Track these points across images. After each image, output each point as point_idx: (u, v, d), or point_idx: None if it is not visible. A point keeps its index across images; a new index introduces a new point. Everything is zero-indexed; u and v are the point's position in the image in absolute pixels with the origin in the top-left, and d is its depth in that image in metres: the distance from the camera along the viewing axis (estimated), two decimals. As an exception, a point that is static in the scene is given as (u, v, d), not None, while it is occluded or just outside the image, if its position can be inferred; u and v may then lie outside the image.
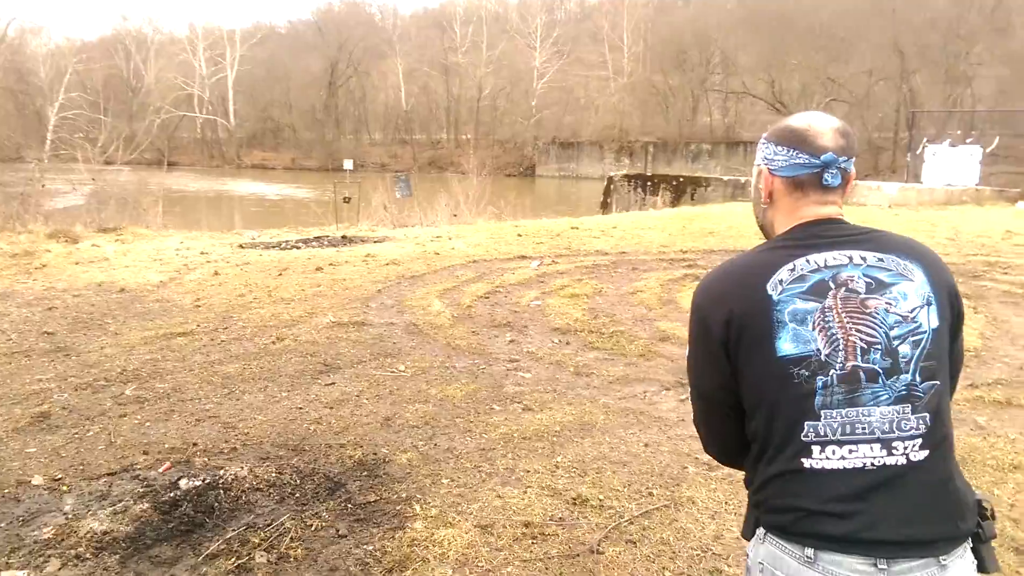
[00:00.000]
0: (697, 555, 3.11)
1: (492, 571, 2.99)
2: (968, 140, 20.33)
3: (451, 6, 68.49)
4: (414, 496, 3.60)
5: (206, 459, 4.05)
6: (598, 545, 3.17)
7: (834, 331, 1.40)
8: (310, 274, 9.16)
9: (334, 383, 5.27)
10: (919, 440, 1.39)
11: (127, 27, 68.78)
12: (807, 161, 1.51)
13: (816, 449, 1.39)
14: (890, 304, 1.42)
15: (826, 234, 1.50)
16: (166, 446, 4.23)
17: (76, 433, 4.43)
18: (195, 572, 2.98)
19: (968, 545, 1.42)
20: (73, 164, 19.51)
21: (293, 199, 34.51)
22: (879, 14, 40.69)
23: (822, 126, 1.52)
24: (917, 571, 1.36)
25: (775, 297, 1.43)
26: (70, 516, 3.43)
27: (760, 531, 1.47)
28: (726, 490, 3.65)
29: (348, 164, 18.64)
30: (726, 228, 12.84)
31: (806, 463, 1.40)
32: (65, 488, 3.72)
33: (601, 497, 3.59)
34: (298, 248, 11.70)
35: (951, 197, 17.77)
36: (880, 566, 1.35)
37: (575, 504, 3.53)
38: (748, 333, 1.44)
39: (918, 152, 20.83)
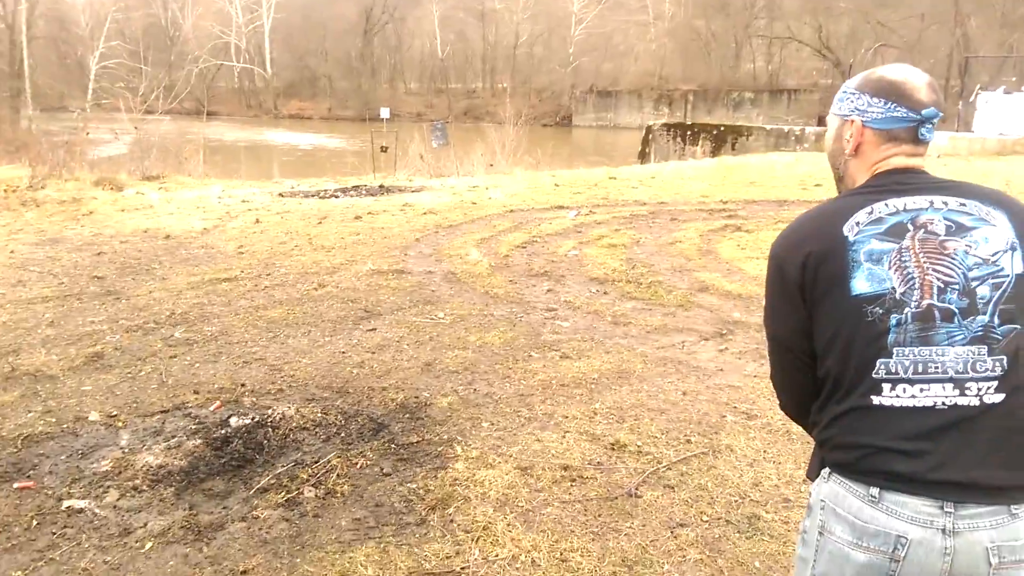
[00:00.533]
0: (735, 501, 3.14)
1: (532, 511, 3.06)
2: (1024, 87, 19.52)
3: (488, -50, 66.98)
4: (455, 438, 3.68)
5: (254, 399, 4.18)
6: (636, 489, 3.22)
7: (910, 270, 1.39)
8: (349, 223, 9.24)
9: (375, 329, 5.35)
10: (995, 383, 1.36)
11: (164, -26, 68.54)
12: (905, 115, 1.49)
13: (887, 387, 1.38)
14: (970, 247, 1.40)
15: (908, 181, 1.49)
16: (215, 386, 4.37)
17: (129, 372, 4.59)
18: (247, 504, 3.11)
19: None
20: (115, 113, 19.74)
21: (330, 148, 34.62)
22: (935, -46, 38.87)
23: (918, 80, 1.50)
24: (985, 518, 1.33)
25: (851, 238, 1.43)
26: (126, 450, 3.58)
27: (825, 471, 1.47)
28: (765, 439, 3.66)
29: (384, 112, 18.57)
30: (768, 178, 12.60)
31: (875, 400, 1.39)
32: (120, 424, 3.88)
33: (639, 443, 3.63)
34: (336, 197, 11.78)
35: (1004, 147, 17.16)
36: (947, 509, 1.33)
37: (613, 449, 3.57)
38: (823, 273, 1.44)
39: (970, 100, 20.09)
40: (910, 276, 1.39)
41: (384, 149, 17.06)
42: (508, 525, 2.95)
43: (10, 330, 5.36)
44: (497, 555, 2.77)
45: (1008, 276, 1.39)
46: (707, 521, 3.00)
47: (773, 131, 21.24)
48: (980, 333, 1.37)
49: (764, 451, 3.55)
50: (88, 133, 18.04)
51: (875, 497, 1.37)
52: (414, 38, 63.94)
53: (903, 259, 1.40)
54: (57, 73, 45.72)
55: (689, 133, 21.67)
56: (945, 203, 1.44)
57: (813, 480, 1.52)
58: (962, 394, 1.36)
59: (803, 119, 38.79)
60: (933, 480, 1.34)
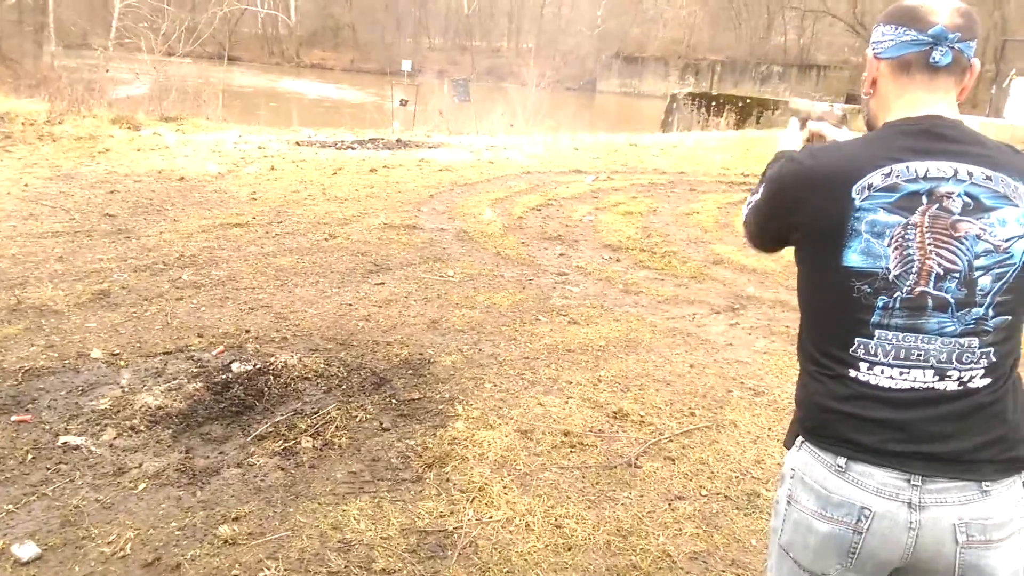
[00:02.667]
0: (736, 477, 3.09)
1: (530, 475, 3.03)
2: (1062, 75, 18.99)
3: (521, -96, 65.42)
4: (457, 397, 3.65)
5: (258, 346, 4.15)
6: (636, 459, 3.18)
7: (911, 251, 1.29)
8: (364, 175, 9.14)
9: (383, 283, 5.30)
10: (980, 371, 1.31)
11: (191, -87, 67.56)
12: (915, 38, 1.36)
13: (864, 366, 1.34)
14: (983, 230, 1.29)
15: (936, 133, 1.34)
16: (220, 331, 4.34)
17: (134, 312, 4.57)
18: (243, 451, 3.09)
19: (1019, 478, 1.34)
20: (136, 53, 19.57)
21: (349, 100, 34.31)
22: (982, -69, 37.68)
23: (938, 3, 1.36)
24: (954, 493, 1.29)
25: (857, 203, 1.31)
26: (126, 390, 3.56)
27: (798, 440, 1.44)
28: (770, 416, 3.61)
29: (406, 65, 18.33)
30: (791, 154, 12.36)
31: (852, 373, 1.35)
32: (122, 363, 3.86)
33: (642, 413, 3.58)
34: (353, 149, 11.66)
35: (1036, 136, 16.75)
36: (914, 483, 1.29)
37: (615, 418, 3.53)
38: (818, 233, 1.36)
39: (1004, 85, 19.57)
40: (909, 258, 1.30)
41: (404, 103, 16.87)
42: (504, 487, 2.92)
43: (19, 263, 5.35)
44: (491, 516, 2.74)
45: (1015, 265, 1.30)
46: (706, 495, 2.96)
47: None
48: (972, 326, 1.31)
49: (769, 429, 3.49)
50: (108, 71, 17.92)
51: (841, 467, 1.34)
52: (441, -9, 62.96)
53: (907, 237, 1.30)
54: (81, 10, 45.26)
55: (714, 104, 21.28)
56: (970, 174, 1.30)
57: (789, 448, 1.48)
58: (941, 379, 1.31)
59: (832, 96, 38.00)
60: (900, 452, 1.30)
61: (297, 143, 11.95)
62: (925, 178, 1.31)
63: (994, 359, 1.31)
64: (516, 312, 4.86)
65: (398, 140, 12.92)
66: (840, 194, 1.33)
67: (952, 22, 1.34)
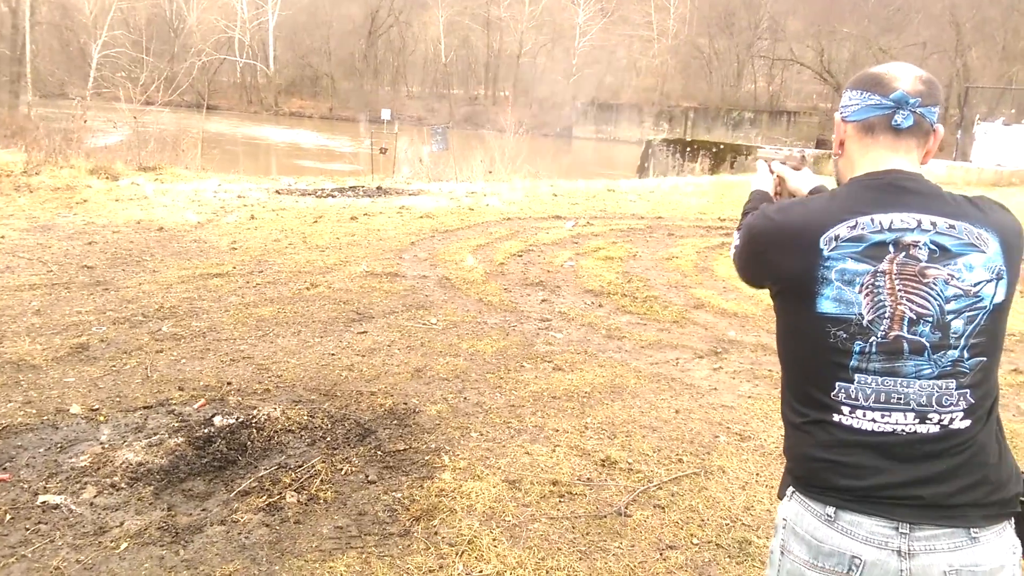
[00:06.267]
0: (726, 524, 3.08)
1: (519, 526, 3.00)
2: (1023, 120, 19.61)
3: (496, -42, 67.07)
4: (443, 447, 3.62)
5: (240, 398, 4.10)
6: (625, 508, 3.16)
7: (882, 297, 1.33)
8: (345, 223, 9.17)
9: (366, 332, 5.28)
10: (960, 413, 1.34)
11: (171, -34, 68.41)
12: (878, 102, 1.43)
13: (846, 409, 1.37)
14: (952, 275, 1.33)
15: (900, 190, 1.40)
16: (201, 383, 4.29)
17: (114, 365, 4.50)
18: (227, 507, 3.03)
19: (1009, 525, 1.36)
20: (115, 103, 19.61)
21: (329, 148, 34.53)
22: (938, -16, 39.19)
23: (901, 71, 1.43)
24: (943, 540, 1.31)
25: (825, 252, 1.36)
26: (106, 445, 3.50)
27: (789, 490, 1.46)
28: (758, 461, 3.61)
29: (386, 114, 18.52)
30: (766, 198, 12.59)
31: (835, 418, 1.38)
32: (102, 418, 3.80)
33: (630, 460, 3.57)
34: (333, 197, 11.71)
35: (1000, 178, 17.20)
36: (902, 530, 1.31)
37: (603, 466, 3.51)
38: (790, 282, 1.42)
39: (970, 130, 20.15)
40: (880, 304, 1.34)
41: (384, 151, 17.00)
42: (494, 540, 2.88)
43: (-5, 316, 5.27)
44: (481, 571, 2.70)
45: (985, 308, 1.35)
46: (697, 544, 2.94)
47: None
48: (949, 368, 1.34)
49: (757, 474, 3.49)
50: (86, 121, 17.91)
51: (831, 516, 1.36)
52: (418, 42, 63.97)
53: (876, 284, 1.34)
54: (59, 60, 45.46)
55: (688, 149, 21.69)
56: (934, 224, 1.35)
57: (781, 500, 1.51)
58: (922, 422, 1.34)
59: (802, 141, 38.93)
60: (886, 497, 1.33)
61: (277, 191, 11.97)
62: (890, 229, 1.36)
63: (972, 400, 1.34)
64: (500, 359, 4.85)
65: (378, 187, 13.00)
66: (808, 245, 1.38)
67: (914, 88, 1.41)
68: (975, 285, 1.34)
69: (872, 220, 1.36)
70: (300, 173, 17.10)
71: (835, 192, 1.48)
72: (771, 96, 50.15)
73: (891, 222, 1.36)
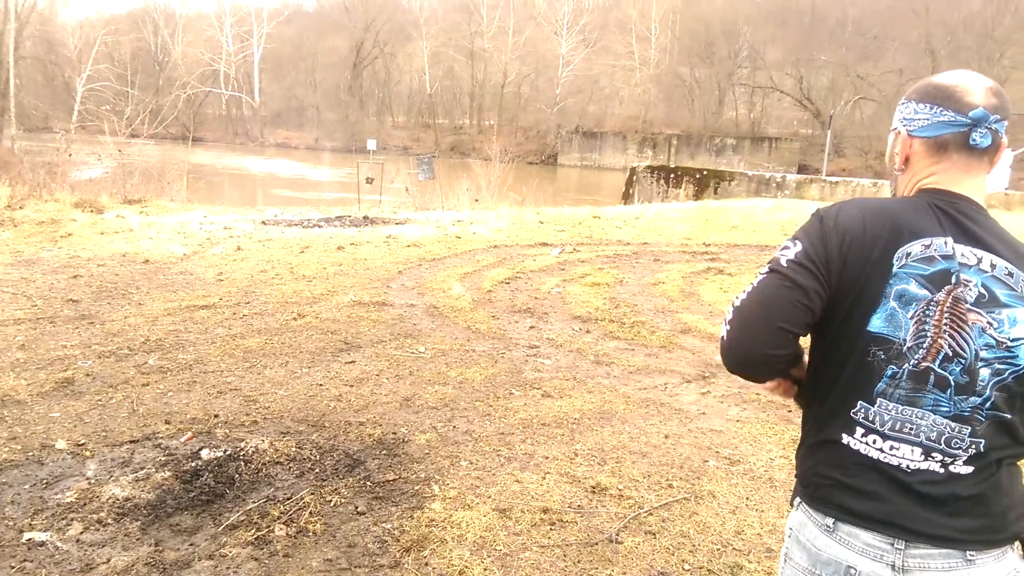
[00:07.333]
0: (717, 549, 3.08)
1: (510, 555, 2.98)
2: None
3: (479, -10, 68.05)
4: (433, 477, 3.60)
5: (227, 431, 4.07)
6: (617, 535, 3.15)
7: (927, 327, 1.31)
8: (331, 253, 9.17)
9: (354, 361, 5.27)
10: (963, 458, 1.33)
11: (155, 1, 68.91)
12: (953, 119, 1.35)
13: (860, 431, 1.37)
14: (991, 324, 1.30)
15: (970, 217, 1.34)
16: (188, 416, 4.26)
17: (99, 400, 4.47)
18: (215, 542, 3.00)
19: (1011, 550, 1.36)
20: (99, 136, 19.62)
21: (315, 179, 34.62)
22: (912, 12, 40.13)
23: (972, 83, 1.36)
24: (937, 560, 1.32)
25: (895, 268, 1.32)
26: (92, 481, 3.46)
27: (796, 500, 1.50)
28: (747, 486, 3.62)
29: (372, 144, 18.63)
30: (750, 223, 12.72)
31: (846, 439, 1.39)
32: (88, 453, 3.76)
33: (620, 487, 3.57)
34: (320, 227, 11.72)
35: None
36: (897, 546, 1.33)
37: (594, 492, 3.51)
38: (849, 290, 1.34)
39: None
40: (923, 333, 1.31)
41: (370, 181, 17.08)
42: (485, 570, 2.87)
43: (-22, 352, 5.22)
44: (473, 601, 2.68)
45: (1017, 367, 1.30)
46: (689, 570, 2.94)
47: (755, 177, 21.52)
48: (967, 413, 1.32)
49: (747, 498, 3.50)
50: (71, 154, 17.90)
51: (830, 527, 1.39)
52: (403, 73, 64.62)
53: (927, 313, 1.31)
54: (43, 94, 45.51)
55: (672, 176, 21.91)
56: (994, 265, 1.31)
57: (792, 507, 1.55)
58: (926, 459, 1.34)
59: (784, 166, 39.49)
60: (885, 521, 1.35)
61: (263, 222, 11.97)
62: (955, 258, 1.32)
63: (981, 450, 1.32)
64: (489, 387, 4.85)
65: (365, 217, 13.03)
66: (882, 255, 1.33)
67: (989, 102, 1.34)
68: (1014, 340, 1.30)
69: (946, 243, 1.32)
70: (286, 204, 17.12)
71: (911, 202, 1.39)
72: (752, 123, 50.90)
73: (962, 253, 1.32)
